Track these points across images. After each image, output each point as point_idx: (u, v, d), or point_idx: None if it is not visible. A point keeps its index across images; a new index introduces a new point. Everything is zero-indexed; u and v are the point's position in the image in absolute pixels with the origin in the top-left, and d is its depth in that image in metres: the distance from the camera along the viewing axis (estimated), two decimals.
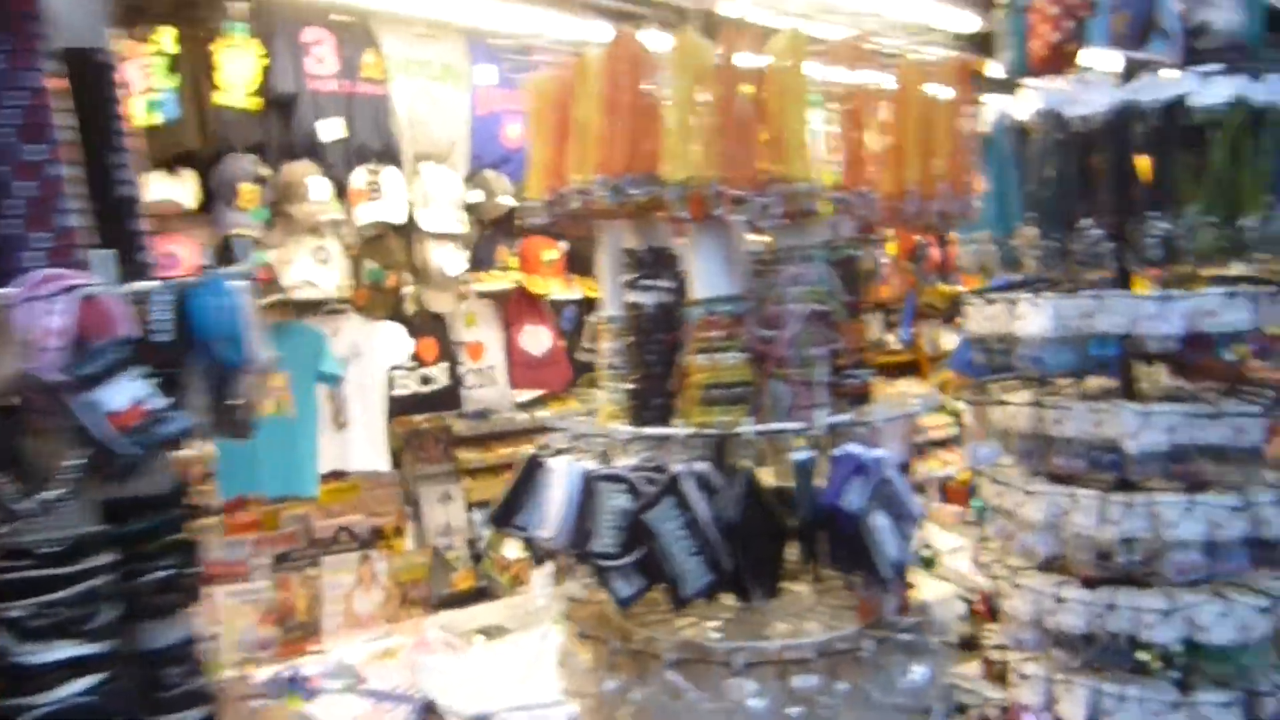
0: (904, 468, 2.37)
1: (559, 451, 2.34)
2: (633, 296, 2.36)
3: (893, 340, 6.76)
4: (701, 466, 2.19)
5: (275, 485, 4.68)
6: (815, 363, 2.21)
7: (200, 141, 4.31)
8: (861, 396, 2.37)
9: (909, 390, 6.90)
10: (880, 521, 2.13)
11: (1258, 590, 2.91)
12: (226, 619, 4.52)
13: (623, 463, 2.29)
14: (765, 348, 2.22)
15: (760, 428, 2.18)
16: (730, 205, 2.09)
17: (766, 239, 2.34)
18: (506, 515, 2.32)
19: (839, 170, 2.24)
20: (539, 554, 2.36)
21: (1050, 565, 3.05)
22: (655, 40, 2.20)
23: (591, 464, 2.26)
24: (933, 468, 6.39)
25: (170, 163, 4.20)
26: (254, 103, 4.46)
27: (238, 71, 4.44)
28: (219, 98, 4.37)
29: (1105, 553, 2.94)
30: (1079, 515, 2.90)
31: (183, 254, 4.25)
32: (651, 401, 2.32)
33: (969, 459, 3.09)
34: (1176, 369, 2.96)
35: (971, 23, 4.95)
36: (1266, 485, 2.88)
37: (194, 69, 4.31)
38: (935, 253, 6.25)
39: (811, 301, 2.21)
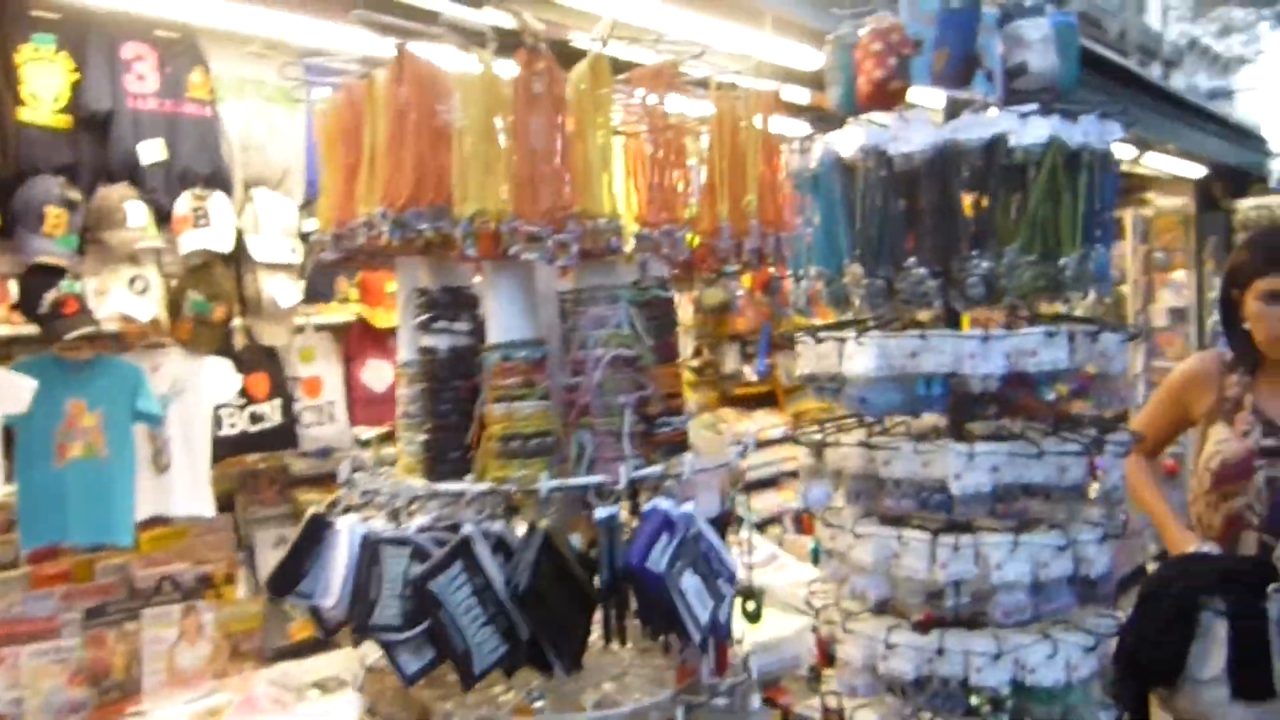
0: (723, 520, 2.24)
1: (349, 508, 2.13)
2: (426, 340, 2.16)
3: (749, 372, 6.72)
4: (497, 526, 2.00)
5: (86, 533, 4.30)
6: (621, 411, 2.06)
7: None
8: (675, 446, 2.22)
9: (766, 421, 6.85)
10: (689, 582, 1.97)
11: (1083, 629, 2.87)
12: (31, 681, 4.10)
13: (418, 521, 2.09)
14: (568, 396, 2.06)
15: (557, 483, 2.01)
16: (525, 242, 1.92)
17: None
18: (287, 581, 2.08)
19: (648, 205, 2.10)
20: (327, 626, 2.11)
21: (883, 608, 2.97)
22: (450, 59, 2.02)
23: (380, 524, 2.06)
24: (787, 498, 6.34)
25: None
26: (62, 121, 4.11)
27: (44, 86, 4.09)
28: (22, 114, 4.02)
29: (936, 595, 2.87)
30: (908, 558, 2.82)
31: None
32: (447, 455, 2.12)
33: (801, 500, 2.99)
34: (1002, 408, 2.92)
35: (813, 59, 4.94)
36: (1089, 523, 2.85)
37: None
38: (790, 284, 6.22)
39: (616, 346, 2.05)
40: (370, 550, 1.95)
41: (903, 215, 2.81)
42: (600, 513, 1.98)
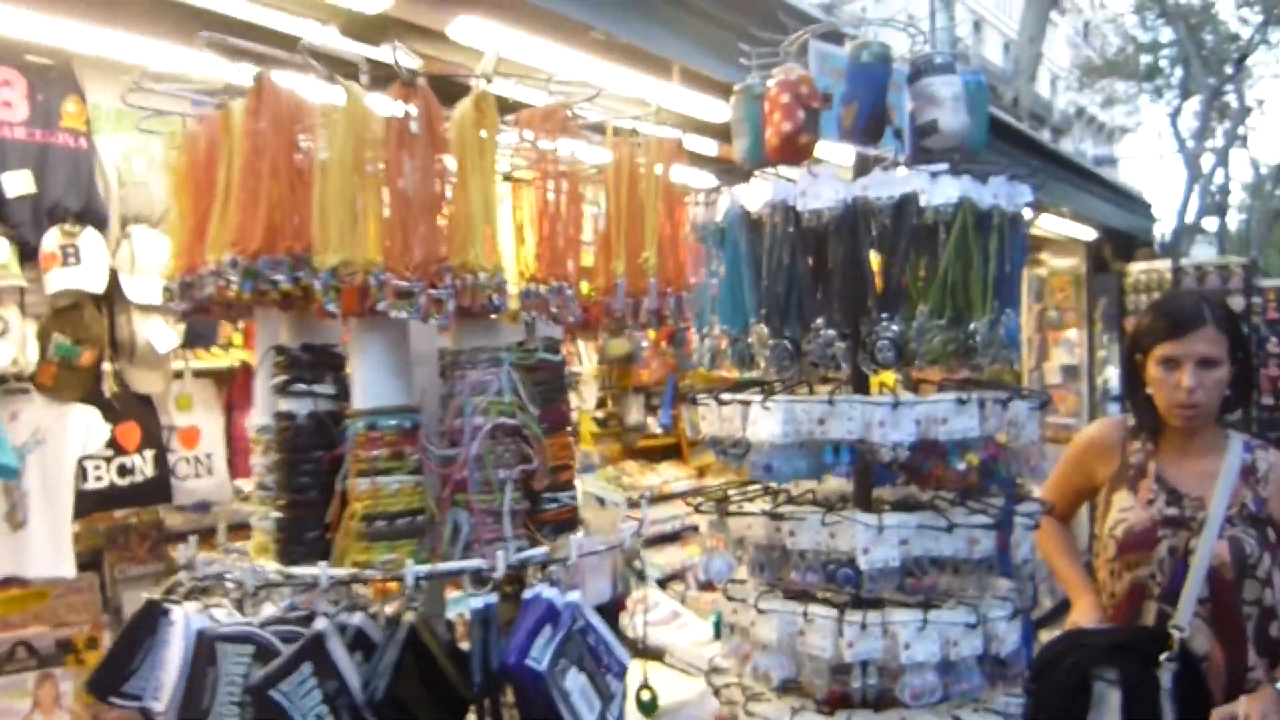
0: (614, 607, 2.01)
1: (192, 594, 1.84)
2: (284, 404, 1.90)
3: (653, 424, 6.52)
4: (356, 619, 1.74)
5: None
6: (501, 487, 1.82)
7: None
8: (564, 524, 1.99)
9: (670, 474, 6.65)
10: (574, 681, 1.73)
11: (993, 710, 2.71)
12: None
13: (269, 611, 1.82)
14: (443, 470, 1.82)
15: (426, 569, 1.75)
16: (394, 299, 1.69)
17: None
18: (112, 679, 1.77)
19: (536, 259, 1.89)
20: None
21: (787, 688, 2.77)
22: (317, 92, 1.79)
23: (224, 614, 1.78)
24: (691, 554, 6.13)
25: None
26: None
27: None
28: None
29: (843, 672, 2.68)
30: (814, 635, 2.62)
31: None
32: (304, 534, 1.84)
33: (702, 572, 2.78)
34: (911, 477, 2.76)
35: (720, 111, 4.81)
36: (999, 599, 2.70)
37: None
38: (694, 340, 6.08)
39: (496, 414, 1.82)
40: (206, 647, 1.66)
41: (811, 274, 2.64)
42: (474, 603, 1.73)
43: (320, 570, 1.70)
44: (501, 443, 1.81)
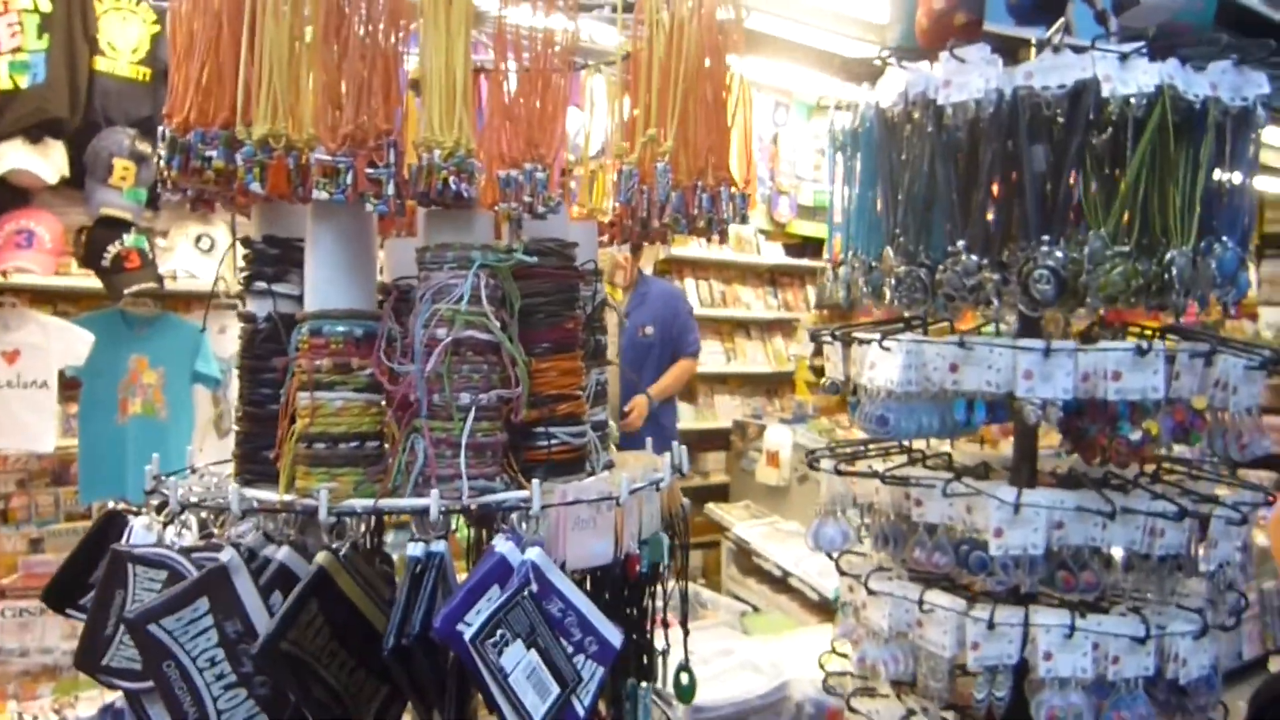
0: (620, 575, 1.62)
1: (164, 508, 1.65)
2: (248, 304, 1.67)
3: None
4: (281, 554, 1.47)
5: (141, 492, 4.11)
6: (463, 413, 1.49)
7: (71, 110, 3.76)
8: (561, 466, 1.63)
9: None
10: (516, 658, 1.39)
11: None
12: None
13: (238, 531, 1.60)
14: (394, 388, 1.51)
15: (362, 504, 1.45)
16: (320, 175, 1.39)
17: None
18: (65, 591, 1.62)
19: (512, 137, 1.50)
20: None
21: (902, 685, 2.26)
22: None
23: (183, 534, 1.58)
24: None
25: (33, 131, 3.66)
26: (140, 73, 3.89)
27: (123, 37, 3.89)
28: (99, 64, 3.83)
29: (969, 677, 2.15)
30: (932, 629, 2.10)
31: (42, 231, 3.71)
32: (259, 453, 1.61)
33: (811, 538, 2.32)
34: (1074, 445, 2.14)
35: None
36: (1185, 610, 2.04)
37: (70, 30, 3.77)
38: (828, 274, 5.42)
39: (462, 325, 1.49)
40: (118, 567, 1.46)
41: (954, 185, 2.07)
42: (410, 549, 1.42)
43: (232, 495, 1.45)
44: (468, 361, 1.47)
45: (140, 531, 1.55)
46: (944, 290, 2.05)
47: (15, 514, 4.13)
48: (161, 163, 1.44)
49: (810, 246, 6.76)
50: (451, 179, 1.38)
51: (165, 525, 1.58)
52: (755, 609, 4.99)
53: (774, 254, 6.76)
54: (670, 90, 1.56)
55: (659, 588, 1.76)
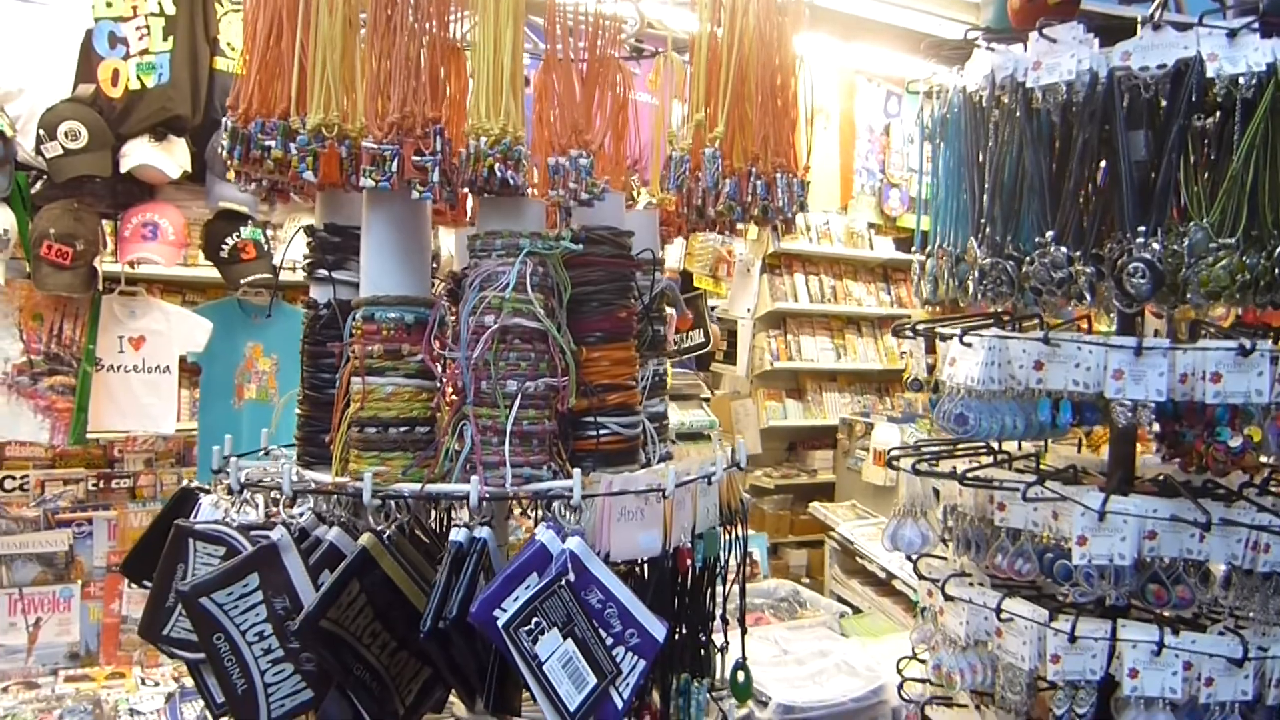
0: (671, 569, 1.58)
1: (242, 490, 1.69)
2: (312, 290, 1.71)
3: None
4: (331, 534, 1.50)
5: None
6: (509, 400, 1.48)
7: (192, 108, 3.95)
8: (611, 456, 1.61)
9: None
10: (552, 646, 1.38)
11: None
12: None
13: (295, 512, 1.64)
14: (443, 374, 1.51)
15: (409, 488, 1.46)
16: (368, 163, 1.40)
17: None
18: (142, 565, 1.69)
19: (560, 126, 1.48)
20: None
21: (980, 696, 2.17)
22: None
23: (246, 512, 1.63)
24: None
25: (158, 129, 3.86)
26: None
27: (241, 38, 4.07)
28: (219, 64, 4.00)
29: (1050, 690, 2.04)
30: (1011, 639, 2.01)
31: (165, 224, 3.91)
32: (318, 435, 1.65)
33: (888, 539, 2.25)
34: (1170, 450, 2.00)
35: None
36: None
37: (192, 33, 3.96)
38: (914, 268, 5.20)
39: (509, 312, 1.48)
40: (179, 542, 1.52)
41: (1044, 172, 1.97)
42: (453, 535, 1.43)
43: (284, 476, 1.48)
44: (515, 348, 1.47)
45: (207, 508, 1.61)
46: (1031, 284, 1.95)
47: (142, 492, 4.36)
48: (224, 153, 1.48)
49: (924, 240, 6.56)
50: (498, 166, 1.38)
51: (231, 504, 1.63)
52: (857, 610, 4.88)
53: (885, 248, 6.59)
54: (723, 73, 1.52)
55: (716, 584, 1.73)
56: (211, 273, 4.24)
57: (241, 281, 3.98)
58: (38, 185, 3.68)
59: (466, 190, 1.51)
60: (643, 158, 1.80)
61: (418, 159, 1.38)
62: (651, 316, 1.73)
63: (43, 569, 4.06)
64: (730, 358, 5.74)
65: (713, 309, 5.17)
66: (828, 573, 5.49)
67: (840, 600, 5.02)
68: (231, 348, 4.16)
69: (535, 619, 1.35)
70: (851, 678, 3.76)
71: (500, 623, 1.33)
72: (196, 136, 3.89)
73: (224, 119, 1.51)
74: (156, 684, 3.83)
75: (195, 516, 1.65)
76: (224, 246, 3.95)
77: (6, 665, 3.86)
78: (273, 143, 1.45)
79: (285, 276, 4.21)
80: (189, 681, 3.72)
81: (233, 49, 3.99)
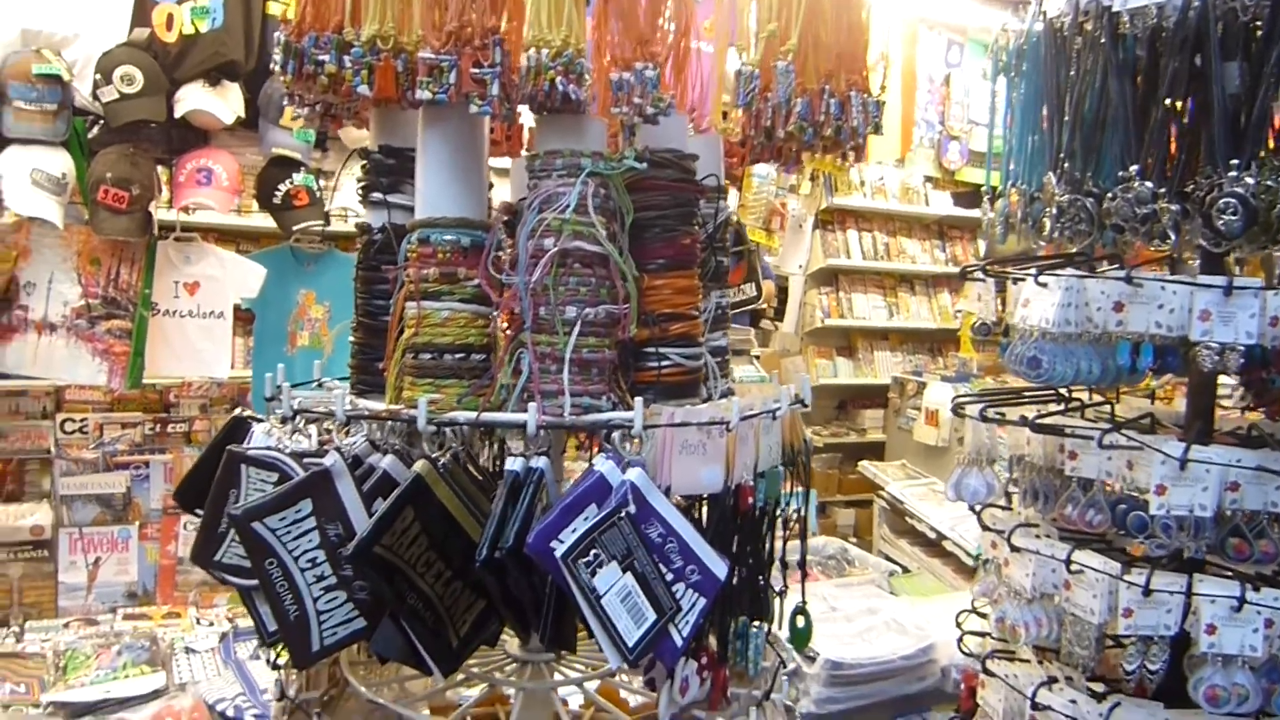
0: (733, 507, 1.52)
1: (295, 416, 1.65)
2: (365, 215, 1.65)
3: None
4: (386, 462, 1.46)
5: None
6: (568, 327, 1.42)
7: (246, 53, 3.91)
8: (674, 388, 1.54)
9: None
10: (610, 580, 1.32)
11: None
12: None
13: (349, 440, 1.60)
14: (500, 299, 1.45)
15: (464, 415, 1.41)
16: (424, 74, 1.33)
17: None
18: (194, 493, 1.67)
19: (621, 39, 1.40)
20: None
21: (1043, 651, 2.09)
22: None
23: (299, 440, 1.59)
24: None
25: (211, 74, 3.83)
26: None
27: None
28: (271, 9, 3.96)
29: (1118, 647, 1.96)
30: (1081, 592, 1.92)
31: (219, 170, 3.89)
32: (372, 363, 1.60)
33: (951, 489, 2.16)
34: (1256, 398, 1.89)
35: None
36: None
37: None
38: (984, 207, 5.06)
39: (569, 235, 1.42)
40: (231, 467, 1.49)
41: (1129, 103, 1.85)
42: (510, 463, 1.38)
43: (336, 402, 1.44)
44: (575, 273, 1.40)
45: (260, 436, 1.58)
46: (1113, 221, 1.85)
47: (197, 437, 4.39)
48: (277, 68, 1.42)
49: (981, 195, 6.39)
50: (559, 79, 1.31)
51: (286, 432, 1.59)
52: (906, 570, 4.81)
53: (942, 204, 6.42)
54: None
55: (777, 525, 1.66)
56: (264, 223, 4.24)
57: (294, 228, 3.96)
58: (94, 130, 3.68)
59: (522, 110, 1.44)
60: (702, 103, 1.72)
61: (476, 71, 1.31)
62: (715, 246, 1.66)
63: (101, 510, 4.12)
64: (779, 314, 5.64)
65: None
66: (876, 532, 5.42)
67: (888, 559, 4.95)
68: (284, 294, 4.15)
69: (594, 551, 1.30)
70: (901, 636, 3.70)
71: (558, 554, 1.28)
72: (249, 82, 3.86)
73: (276, 33, 1.45)
74: (211, 624, 3.87)
75: (246, 444, 1.62)
76: (277, 193, 3.93)
77: (68, 602, 3.93)
78: (326, 57, 1.39)
79: (336, 226, 4.21)
80: (242, 622, 3.76)
81: None
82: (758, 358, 4.85)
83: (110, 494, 4.20)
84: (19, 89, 3.43)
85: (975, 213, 6.34)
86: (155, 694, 3.17)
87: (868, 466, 5.48)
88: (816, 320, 5.96)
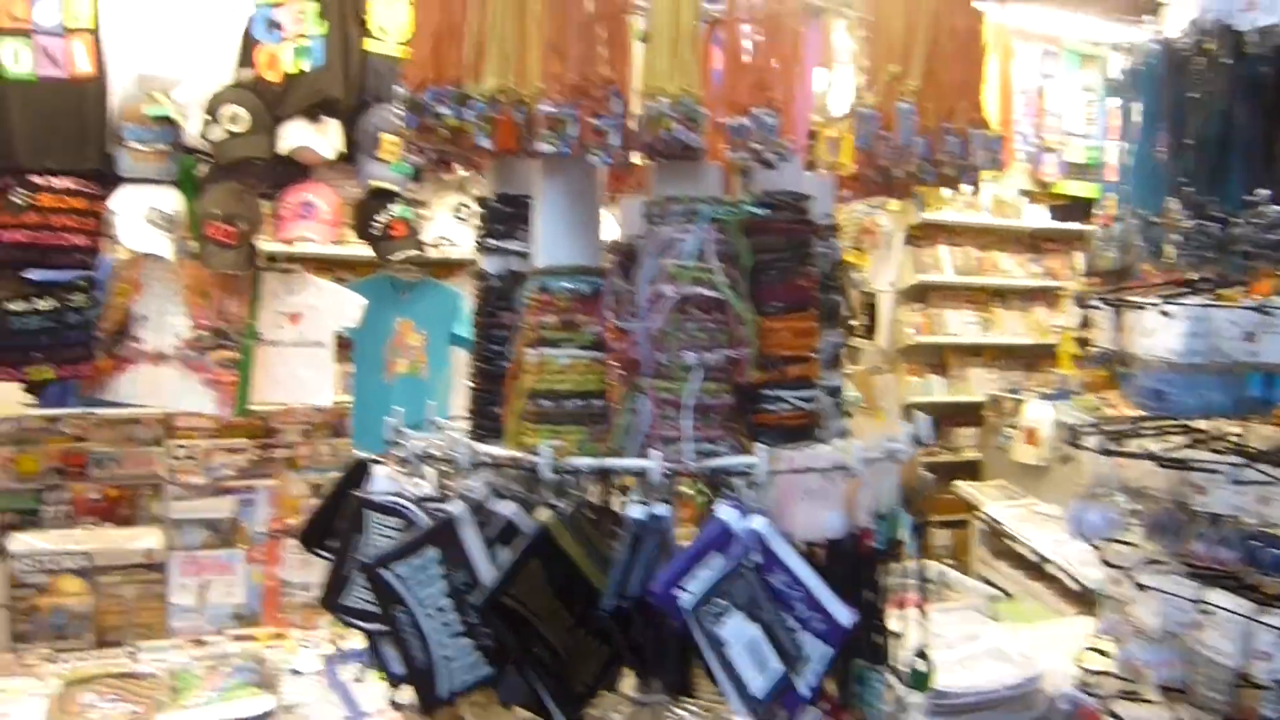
0: (852, 549, 1.49)
1: (406, 460, 1.69)
2: (481, 261, 1.67)
3: None
4: (509, 509, 1.47)
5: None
6: (687, 372, 1.42)
7: (345, 89, 4.01)
8: (793, 432, 1.53)
9: None
10: (736, 629, 1.31)
11: None
12: None
13: (468, 484, 1.62)
14: (619, 344, 1.46)
15: (586, 462, 1.41)
16: (545, 128, 1.35)
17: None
18: (316, 532, 1.71)
19: (738, 84, 1.40)
20: None
21: (1172, 692, 2.01)
22: None
23: (419, 484, 1.61)
24: None
25: (312, 110, 3.94)
26: (405, 52, 4.10)
27: (391, 19, 4.10)
28: (369, 45, 4.06)
29: (1249, 689, 1.87)
30: (1213, 633, 1.85)
31: (320, 203, 4.00)
32: (489, 407, 1.62)
33: (1071, 524, 2.10)
34: None
35: None
36: None
37: (343, 15, 4.01)
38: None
39: (688, 281, 1.41)
40: (355, 513, 1.52)
41: (1255, 124, 1.79)
42: (631, 511, 1.38)
43: (460, 449, 1.45)
44: (694, 318, 1.40)
45: (381, 480, 1.60)
46: (1241, 246, 1.78)
47: (299, 461, 4.50)
48: (401, 124, 1.45)
49: (1079, 208, 6.22)
50: (678, 128, 1.31)
51: (406, 474, 1.62)
52: (1006, 594, 4.68)
53: (1037, 217, 6.28)
54: (916, 20, 1.41)
55: (895, 566, 1.63)
56: (360, 251, 4.34)
57: (392, 258, 4.04)
58: (202, 168, 3.81)
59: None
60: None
61: (595, 122, 1.32)
62: (829, 286, 1.64)
63: (209, 533, 4.24)
64: (870, 331, 5.58)
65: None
66: (974, 554, 5.30)
67: (988, 583, 4.83)
68: (382, 323, 4.24)
69: (719, 600, 1.29)
70: (1004, 664, 3.59)
71: (683, 603, 1.27)
72: (347, 117, 3.96)
73: (396, 87, 1.48)
74: (317, 646, 3.95)
75: (368, 487, 1.65)
76: (375, 224, 4.01)
77: (178, 623, 4.05)
78: (446, 110, 1.42)
79: (432, 254, 4.28)
80: (345, 644, 3.83)
81: (383, 31, 4.04)
82: (849, 375, 4.80)
83: (218, 518, 4.32)
84: (134, 131, 3.58)
85: (1072, 226, 6.20)
86: (265, 716, 3.25)
87: (963, 486, 5.37)
88: (908, 337, 5.87)
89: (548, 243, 1.48)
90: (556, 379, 1.45)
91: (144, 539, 4.09)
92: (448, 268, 4.58)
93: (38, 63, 3.49)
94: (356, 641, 3.70)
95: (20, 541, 3.92)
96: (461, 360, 4.37)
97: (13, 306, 3.56)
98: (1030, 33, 5.35)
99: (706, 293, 1.41)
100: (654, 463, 1.36)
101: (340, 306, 4.13)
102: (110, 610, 4.05)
